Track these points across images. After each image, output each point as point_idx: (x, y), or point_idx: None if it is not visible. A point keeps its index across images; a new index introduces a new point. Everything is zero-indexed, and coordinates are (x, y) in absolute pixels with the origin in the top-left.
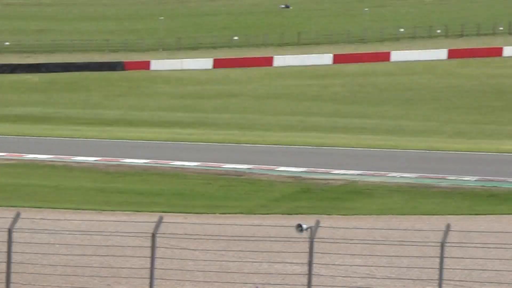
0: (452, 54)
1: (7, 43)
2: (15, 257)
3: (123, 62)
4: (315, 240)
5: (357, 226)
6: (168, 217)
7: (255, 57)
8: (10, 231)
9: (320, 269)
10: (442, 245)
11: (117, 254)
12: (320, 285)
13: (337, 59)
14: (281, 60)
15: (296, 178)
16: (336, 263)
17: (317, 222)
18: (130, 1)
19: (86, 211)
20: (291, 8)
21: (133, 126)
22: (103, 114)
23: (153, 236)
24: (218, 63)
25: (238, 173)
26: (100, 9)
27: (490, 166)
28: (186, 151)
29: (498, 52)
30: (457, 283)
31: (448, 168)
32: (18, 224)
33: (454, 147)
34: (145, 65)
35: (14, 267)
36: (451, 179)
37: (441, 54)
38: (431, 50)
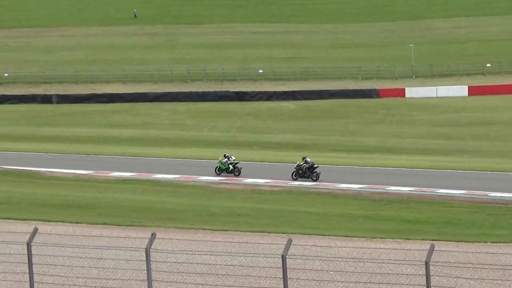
0: None
1: (260, 71)
2: (291, 283)
3: (377, 89)
4: None
5: None
6: (438, 245)
7: (510, 84)
8: None
9: None
10: None
11: (392, 282)
12: None
13: None
14: None
15: None
16: None
17: None
18: (378, 29)
19: (355, 238)
20: None
21: (393, 153)
22: (361, 141)
23: (427, 264)
24: (473, 90)
25: (505, 202)
26: (348, 37)
27: None
28: (450, 179)
29: None
30: None
31: None
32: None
33: None
34: (400, 92)
35: None
36: None
37: None
38: None
